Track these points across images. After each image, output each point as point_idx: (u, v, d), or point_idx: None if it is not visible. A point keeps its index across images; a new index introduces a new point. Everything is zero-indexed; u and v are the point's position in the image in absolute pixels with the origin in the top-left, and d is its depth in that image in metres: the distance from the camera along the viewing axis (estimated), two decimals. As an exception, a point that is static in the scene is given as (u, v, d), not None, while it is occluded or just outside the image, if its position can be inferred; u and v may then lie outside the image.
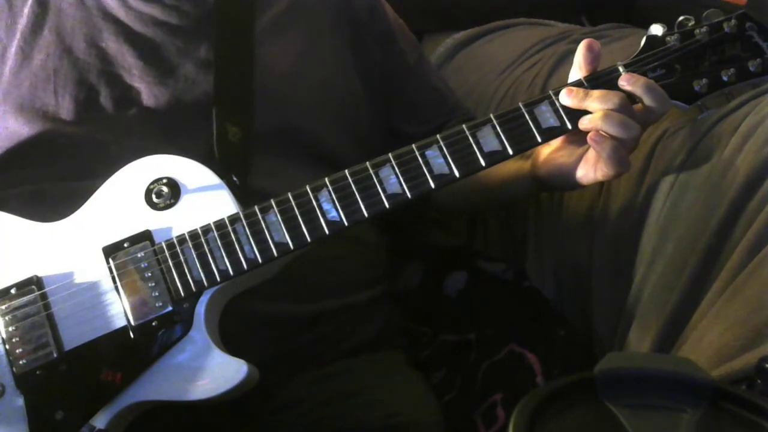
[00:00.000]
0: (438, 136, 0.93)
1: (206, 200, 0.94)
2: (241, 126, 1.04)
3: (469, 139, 0.93)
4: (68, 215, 0.96)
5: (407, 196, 0.92)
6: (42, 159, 1.04)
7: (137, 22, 1.08)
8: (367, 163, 0.93)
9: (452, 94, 1.30)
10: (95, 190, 0.97)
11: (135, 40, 1.08)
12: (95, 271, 0.92)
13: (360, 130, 1.17)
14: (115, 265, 0.92)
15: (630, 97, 0.93)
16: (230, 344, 0.93)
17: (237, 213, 0.93)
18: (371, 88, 1.20)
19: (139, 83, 1.06)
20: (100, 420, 0.88)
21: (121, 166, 0.97)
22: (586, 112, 0.93)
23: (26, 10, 1.09)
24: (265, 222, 0.92)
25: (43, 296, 0.92)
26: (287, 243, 0.91)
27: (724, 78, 0.94)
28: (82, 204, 0.96)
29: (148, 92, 1.05)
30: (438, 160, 0.93)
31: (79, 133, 1.04)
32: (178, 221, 0.93)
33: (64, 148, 1.04)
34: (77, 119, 1.04)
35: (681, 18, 0.96)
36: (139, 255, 0.92)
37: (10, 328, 0.90)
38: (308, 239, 0.91)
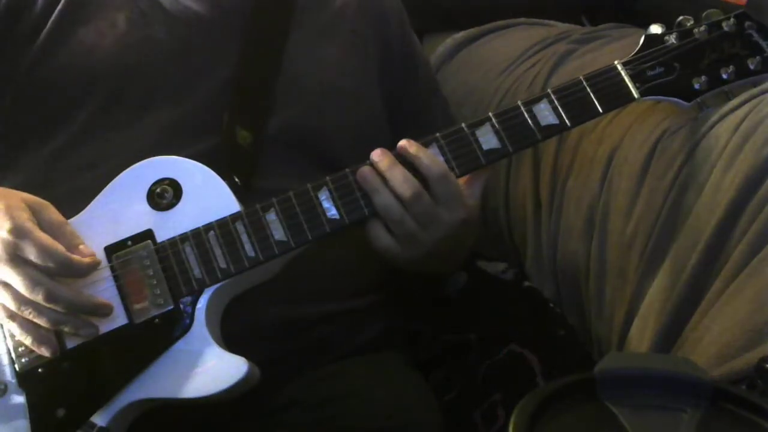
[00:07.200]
0: (437, 134, 0.93)
1: (208, 200, 0.94)
2: (253, 131, 1.03)
3: (468, 138, 0.93)
4: (72, 216, 0.96)
5: (408, 195, 0.92)
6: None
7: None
8: (368, 161, 0.93)
9: None
10: (99, 191, 0.97)
11: (171, 31, 1.07)
12: (97, 269, 0.92)
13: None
14: (117, 264, 0.92)
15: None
16: (231, 346, 0.93)
17: (239, 211, 0.93)
18: (390, 112, 1.19)
19: (164, 84, 1.05)
20: (101, 418, 0.88)
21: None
22: (588, 112, 0.93)
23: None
24: (266, 220, 0.92)
25: (46, 295, 0.92)
26: (288, 241, 0.91)
27: (724, 76, 0.95)
28: (86, 206, 0.96)
29: (173, 94, 1.05)
30: (438, 158, 0.93)
31: (96, 134, 1.04)
32: (180, 220, 0.93)
33: (77, 141, 1.04)
34: (97, 122, 1.04)
35: (680, 18, 0.97)
36: (141, 253, 0.92)
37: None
38: (309, 237, 0.92)
